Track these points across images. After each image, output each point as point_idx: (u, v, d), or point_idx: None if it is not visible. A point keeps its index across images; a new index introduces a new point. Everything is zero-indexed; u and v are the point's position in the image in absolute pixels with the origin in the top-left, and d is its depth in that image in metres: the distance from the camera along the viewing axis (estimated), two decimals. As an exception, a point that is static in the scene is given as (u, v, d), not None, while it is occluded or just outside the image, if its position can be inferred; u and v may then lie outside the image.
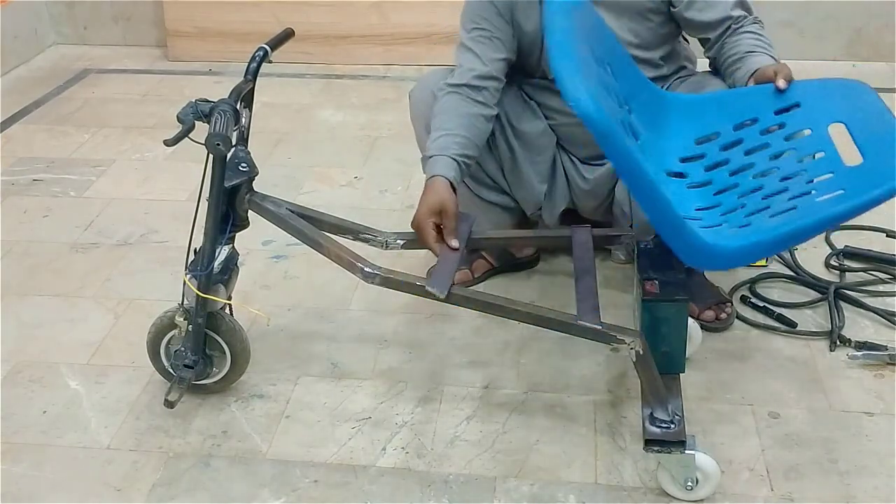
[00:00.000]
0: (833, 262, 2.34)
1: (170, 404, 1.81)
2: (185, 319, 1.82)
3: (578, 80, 1.37)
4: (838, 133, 1.67)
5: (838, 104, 1.71)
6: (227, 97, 1.71)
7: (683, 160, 1.77)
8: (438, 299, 1.67)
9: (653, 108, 1.81)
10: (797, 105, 1.72)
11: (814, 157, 1.67)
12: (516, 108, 2.10)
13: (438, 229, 1.78)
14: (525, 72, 2.09)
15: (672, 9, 1.97)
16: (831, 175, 1.59)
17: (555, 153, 2.13)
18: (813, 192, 1.58)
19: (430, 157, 1.89)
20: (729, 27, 1.93)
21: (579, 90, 1.35)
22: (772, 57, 1.85)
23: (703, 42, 2.01)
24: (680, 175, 1.76)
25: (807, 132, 1.71)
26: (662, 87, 2.03)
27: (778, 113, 1.73)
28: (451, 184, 1.83)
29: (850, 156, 1.60)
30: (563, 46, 1.45)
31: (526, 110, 2.11)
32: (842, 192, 1.52)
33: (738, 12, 1.94)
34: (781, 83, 1.72)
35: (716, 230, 1.58)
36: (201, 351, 1.85)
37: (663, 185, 1.63)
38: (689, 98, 1.91)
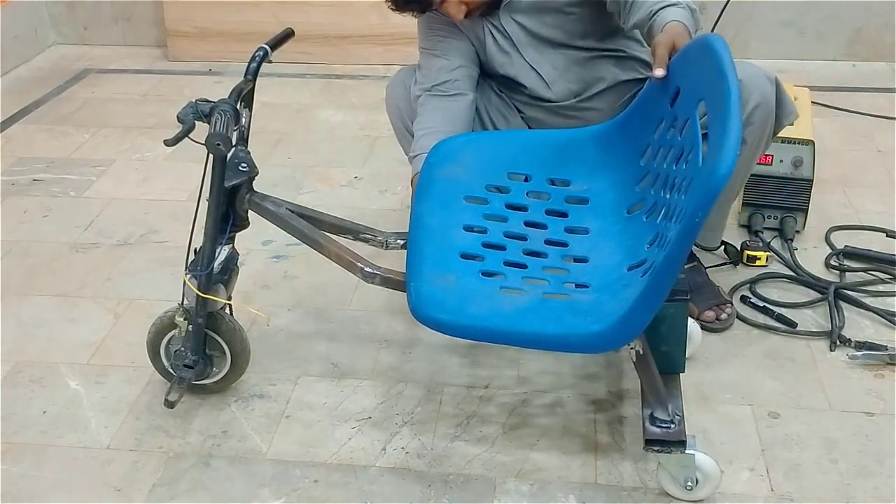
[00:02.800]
0: (833, 262, 2.34)
1: (170, 404, 1.81)
2: (185, 319, 1.81)
3: (420, 292, 1.55)
4: None
5: (699, 75, 1.51)
6: (227, 97, 1.71)
7: (639, 184, 1.70)
8: None
9: (593, 154, 1.78)
10: (679, 91, 1.57)
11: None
12: (492, 102, 2.14)
13: None
14: (490, 74, 2.13)
15: None
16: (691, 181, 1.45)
17: None
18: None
19: (415, 156, 1.96)
20: None
21: (419, 305, 1.53)
22: (671, 6, 1.71)
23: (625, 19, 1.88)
24: (639, 206, 1.68)
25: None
26: (637, 74, 2.04)
27: (672, 104, 1.59)
28: None
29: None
30: (416, 248, 1.63)
31: (500, 104, 2.14)
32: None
33: None
34: (657, 73, 1.59)
35: (587, 313, 1.51)
36: (201, 351, 1.85)
37: (622, 229, 1.64)
38: (614, 122, 1.80)
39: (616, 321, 1.45)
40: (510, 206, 1.74)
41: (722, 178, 1.27)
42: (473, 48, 2.08)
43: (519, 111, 2.14)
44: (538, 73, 2.04)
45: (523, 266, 1.65)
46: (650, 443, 1.62)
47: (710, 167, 1.30)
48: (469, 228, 1.68)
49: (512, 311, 1.53)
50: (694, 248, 2.16)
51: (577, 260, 1.69)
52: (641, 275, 1.53)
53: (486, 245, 1.66)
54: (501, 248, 1.66)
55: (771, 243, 2.40)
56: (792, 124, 2.00)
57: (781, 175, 2.39)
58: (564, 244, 1.70)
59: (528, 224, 1.72)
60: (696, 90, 1.52)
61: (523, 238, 1.69)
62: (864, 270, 2.31)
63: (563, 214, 1.75)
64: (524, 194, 1.76)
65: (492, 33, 2.04)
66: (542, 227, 1.72)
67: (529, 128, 2.14)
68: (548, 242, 1.70)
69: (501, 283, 1.60)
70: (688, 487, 1.64)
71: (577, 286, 1.62)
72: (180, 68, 3.86)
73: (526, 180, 1.79)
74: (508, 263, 1.64)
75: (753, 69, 1.88)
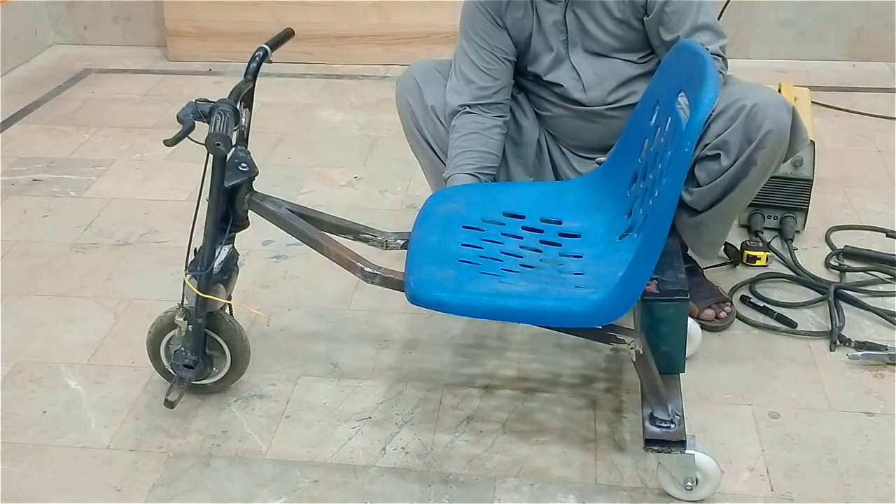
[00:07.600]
0: (833, 262, 2.34)
1: (170, 404, 1.81)
2: (185, 319, 1.81)
3: (416, 276, 1.60)
4: None
5: (677, 75, 1.60)
6: (227, 97, 1.71)
7: (629, 215, 1.73)
8: None
9: (583, 198, 1.83)
10: (658, 105, 1.67)
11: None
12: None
13: None
14: (517, 69, 2.10)
15: (646, 17, 1.95)
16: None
17: (540, 145, 2.13)
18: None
19: (449, 176, 1.97)
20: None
21: (418, 288, 1.56)
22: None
23: None
24: (630, 230, 1.72)
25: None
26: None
27: (652, 119, 1.68)
28: None
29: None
30: (415, 254, 1.68)
31: (514, 108, 2.12)
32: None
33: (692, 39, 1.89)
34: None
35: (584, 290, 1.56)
36: (201, 351, 1.85)
37: (613, 251, 1.68)
38: (601, 168, 1.88)
39: (615, 286, 1.47)
40: (506, 234, 1.78)
41: (710, 101, 1.33)
42: (514, 49, 2.03)
43: (540, 108, 2.11)
44: (579, 75, 2.01)
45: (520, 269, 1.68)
46: (650, 442, 1.62)
47: (692, 108, 1.36)
48: (467, 245, 1.72)
49: (511, 288, 1.56)
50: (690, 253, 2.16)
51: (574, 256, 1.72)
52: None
53: (484, 257, 1.70)
54: (498, 260, 1.70)
55: (771, 243, 2.40)
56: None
57: (781, 175, 2.39)
58: (559, 264, 1.73)
59: (523, 248, 1.75)
60: (675, 87, 1.58)
61: (519, 256, 1.73)
62: (864, 270, 2.31)
63: (557, 244, 1.77)
64: (518, 227, 1.79)
65: (542, 25, 1.99)
66: (537, 251, 1.74)
67: (549, 126, 2.12)
68: (543, 262, 1.73)
69: (500, 276, 1.63)
70: (688, 487, 1.64)
71: (573, 256, 1.67)
72: (180, 68, 3.86)
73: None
74: (506, 270, 1.67)
75: (772, 96, 1.89)
